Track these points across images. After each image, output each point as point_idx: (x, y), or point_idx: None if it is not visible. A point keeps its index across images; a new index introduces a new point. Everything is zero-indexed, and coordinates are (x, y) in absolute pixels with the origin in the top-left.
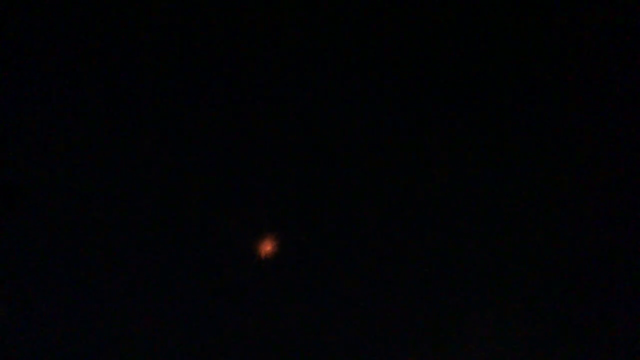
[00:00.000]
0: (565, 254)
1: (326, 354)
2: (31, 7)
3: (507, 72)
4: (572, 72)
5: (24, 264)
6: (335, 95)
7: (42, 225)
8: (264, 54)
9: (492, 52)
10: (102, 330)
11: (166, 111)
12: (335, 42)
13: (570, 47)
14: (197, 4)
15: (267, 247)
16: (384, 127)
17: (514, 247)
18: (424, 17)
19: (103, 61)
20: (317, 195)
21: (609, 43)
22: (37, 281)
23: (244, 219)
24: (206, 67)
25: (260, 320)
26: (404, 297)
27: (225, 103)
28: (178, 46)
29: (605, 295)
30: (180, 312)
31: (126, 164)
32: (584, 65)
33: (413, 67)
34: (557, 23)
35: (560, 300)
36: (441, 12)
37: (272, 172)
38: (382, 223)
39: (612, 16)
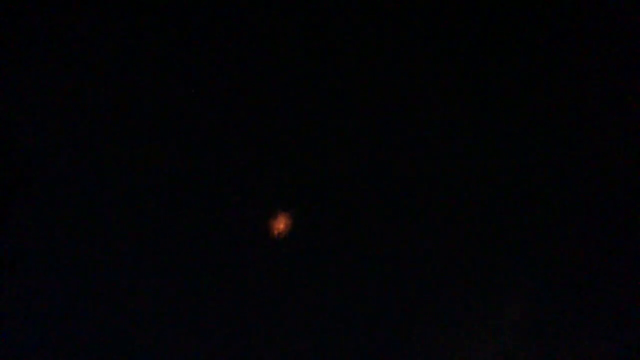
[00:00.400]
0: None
1: (337, 332)
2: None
3: (513, 73)
4: (580, 73)
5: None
6: (346, 82)
7: (61, 206)
8: (266, 53)
9: (492, 53)
10: (114, 312)
11: (185, 101)
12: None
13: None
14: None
15: (280, 226)
16: (392, 115)
17: (518, 247)
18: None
19: (120, 59)
20: (329, 175)
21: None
22: (50, 264)
23: (257, 198)
24: (219, 64)
25: (273, 298)
26: (414, 280)
27: (239, 89)
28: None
29: (607, 292)
30: (193, 292)
31: (144, 147)
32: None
33: (420, 67)
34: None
35: (560, 299)
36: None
37: (284, 153)
38: (395, 204)
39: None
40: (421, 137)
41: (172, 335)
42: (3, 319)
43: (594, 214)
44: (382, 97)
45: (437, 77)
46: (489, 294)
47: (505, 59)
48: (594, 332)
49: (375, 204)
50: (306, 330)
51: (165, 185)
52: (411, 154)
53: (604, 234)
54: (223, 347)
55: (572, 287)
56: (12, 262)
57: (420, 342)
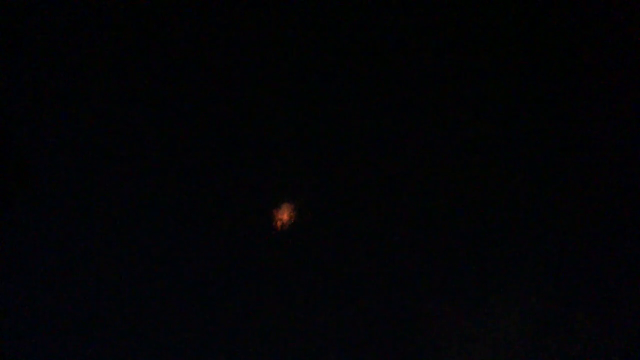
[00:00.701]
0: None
1: (337, 330)
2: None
3: (522, 75)
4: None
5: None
6: (343, 79)
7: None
8: (274, 45)
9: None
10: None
11: (186, 94)
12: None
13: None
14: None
15: (284, 216)
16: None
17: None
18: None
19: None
20: (333, 166)
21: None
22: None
23: (261, 188)
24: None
25: (277, 289)
26: (419, 277)
27: (243, 82)
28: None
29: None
30: (197, 282)
31: (146, 142)
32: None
33: (427, 69)
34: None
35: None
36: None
37: (288, 144)
38: (400, 199)
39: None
40: (430, 129)
41: (175, 332)
42: (3, 319)
43: (601, 210)
44: (388, 89)
45: (441, 72)
46: (494, 292)
47: (505, 58)
48: (600, 330)
49: (380, 199)
50: (306, 326)
51: (166, 181)
52: (419, 147)
53: (610, 231)
54: (225, 342)
55: (579, 285)
56: (12, 261)
57: (425, 340)
